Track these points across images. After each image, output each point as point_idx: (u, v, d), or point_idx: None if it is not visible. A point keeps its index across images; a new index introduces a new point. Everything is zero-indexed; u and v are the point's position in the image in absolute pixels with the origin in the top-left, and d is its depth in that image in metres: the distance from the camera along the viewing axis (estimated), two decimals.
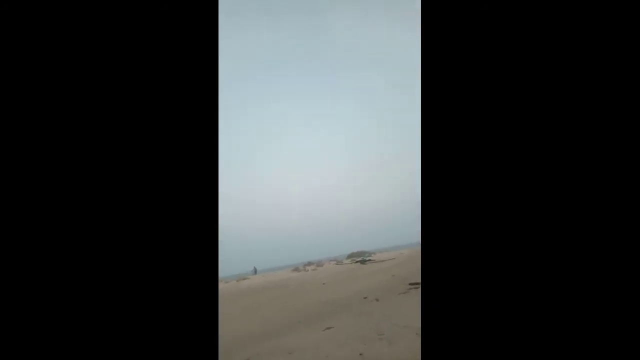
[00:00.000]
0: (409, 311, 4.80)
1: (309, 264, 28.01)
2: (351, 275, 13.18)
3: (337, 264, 24.05)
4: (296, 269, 24.48)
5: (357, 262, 21.28)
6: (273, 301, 9.13)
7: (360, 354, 3.41)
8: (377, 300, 6.57)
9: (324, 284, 11.63)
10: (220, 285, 21.95)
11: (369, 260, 20.50)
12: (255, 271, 29.55)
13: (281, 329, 5.50)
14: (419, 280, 6.24)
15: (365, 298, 7.07)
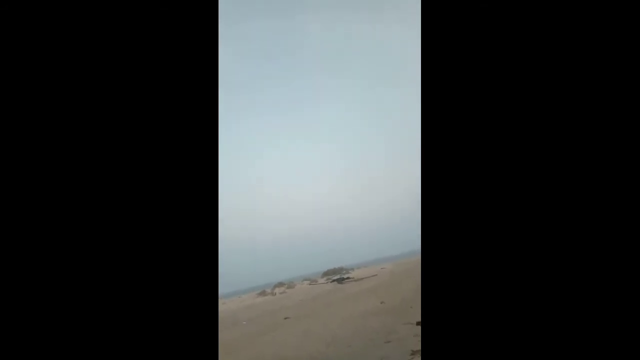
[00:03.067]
0: None
1: (280, 284, 24.77)
2: (325, 302, 10.15)
3: (310, 284, 21.00)
4: (262, 292, 21.10)
5: (333, 281, 18.40)
6: None
7: None
8: None
9: (285, 319, 8.51)
10: None
11: (347, 278, 17.64)
12: None
13: None
14: (417, 310, 3.47)
15: None
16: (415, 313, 5.02)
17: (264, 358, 5.02)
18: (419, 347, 3.61)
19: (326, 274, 25.76)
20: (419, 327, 4.22)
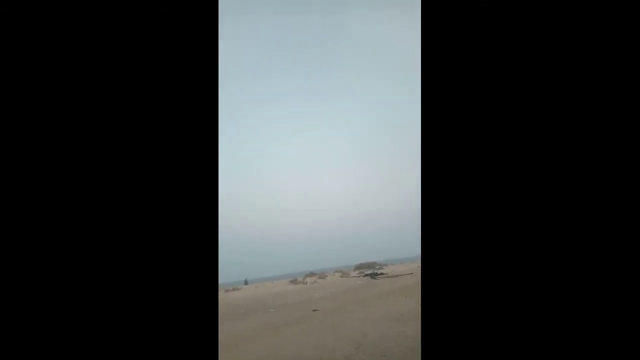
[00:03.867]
0: None
1: (311, 274, 24.56)
2: (357, 298, 9.54)
3: (342, 277, 20.47)
4: (294, 281, 20.98)
5: (366, 275, 17.72)
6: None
7: None
8: None
9: (314, 311, 8.02)
10: None
11: (381, 274, 16.85)
12: (245, 282, 26.25)
13: None
14: None
15: None
16: None
17: (282, 354, 4.55)
18: None
19: (358, 267, 25.12)
20: None
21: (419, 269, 16.83)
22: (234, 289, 21.81)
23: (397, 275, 15.04)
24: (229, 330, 6.70)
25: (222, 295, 18.96)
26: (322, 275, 23.33)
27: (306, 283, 19.16)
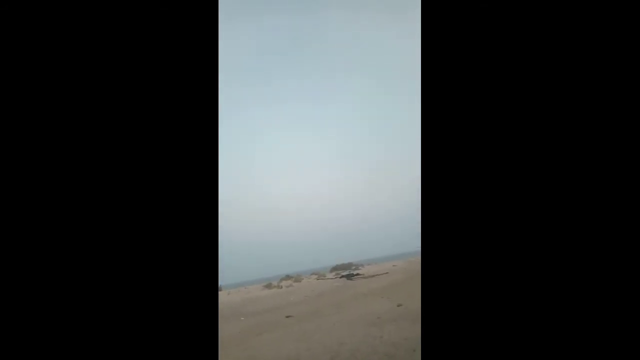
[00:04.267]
0: None
1: (287, 277, 23.98)
2: (333, 301, 9.19)
3: (318, 279, 20.09)
4: (268, 285, 20.32)
5: (342, 276, 17.46)
6: None
7: None
8: None
9: (287, 317, 7.57)
10: None
11: (357, 274, 16.66)
12: (219, 288, 25.36)
13: None
14: None
15: None
16: None
17: None
18: None
19: (335, 269, 24.85)
20: None
21: (394, 268, 16.84)
22: None
23: (373, 276, 14.88)
24: None
25: None
26: (297, 278, 22.80)
27: (281, 287, 18.59)
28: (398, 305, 6.37)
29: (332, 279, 18.20)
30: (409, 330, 4.39)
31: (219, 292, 22.16)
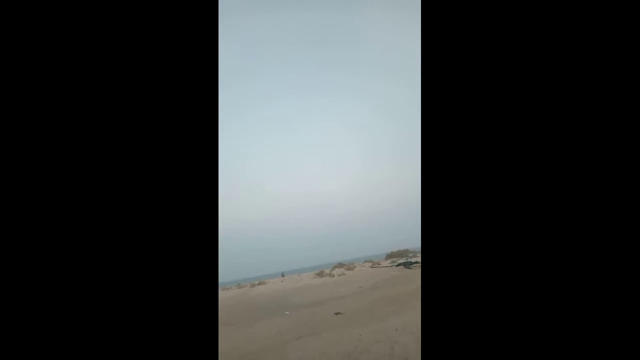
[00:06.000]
0: None
1: (339, 265, 23.07)
2: (390, 295, 7.80)
3: (373, 267, 18.78)
4: (320, 273, 19.55)
5: (399, 264, 15.92)
6: None
7: None
8: None
9: (336, 314, 6.40)
10: (228, 292, 17.95)
11: (416, 262, 14.95)
12: (282, 274, 26.39)
13: None
14: None
15: None
16: None
17: None
18: None
19: (390, 256, 23.24)
20: None
21: None
22: (260, 283, 21.19)
23: None
24: (223, 344, 5.25)
25: (245, 291, 18.01)
26: (350, 266, 21.75)
27: (333, 275, 17.67)
28: None
29: (387, 267, 16.74)
30: None
31: (281, 278, 22.53)
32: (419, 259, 17.18)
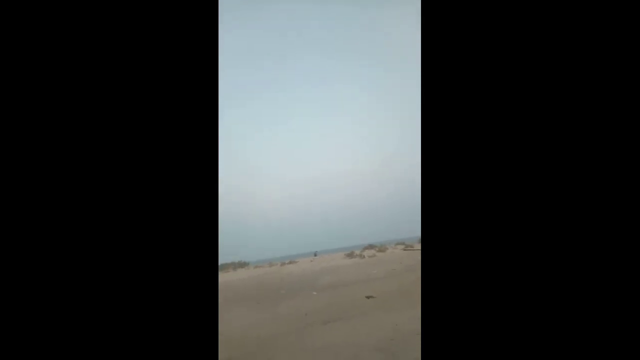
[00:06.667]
0: None
1: (370, 246, 22.50)
2: None
3: (405, 249, 17.98)
4: (350, 254, 19.11)
5: None
6: None
7: None
8: None
9: (368, 298, 5.81)
10: (261, 270, 18.16)
11: None
12: (315, 254, 27.09)
13: None
14: None
15: None
16: None
17: None
18: None
19: None
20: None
21: None
22: (290, 262, 21.37)
23: None
24: (245, 323, 4.87)
25: (275, 269, 18.11)
26: (381, 248, 21.07)
27: (363, 257, 17.14)
28: None
29: (420, 249, 15.91)
30: None
31: (311, 258, 22.69)
32: None
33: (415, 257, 12.31)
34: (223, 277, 14.35)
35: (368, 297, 5.86)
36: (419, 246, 18.39)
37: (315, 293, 7.29)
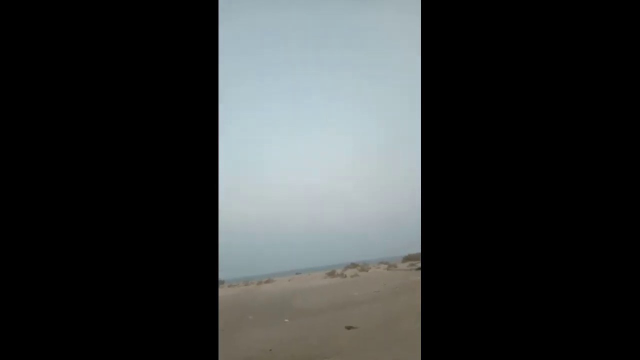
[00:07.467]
0: None
1: (352, 265, 21.52)
2: (415, 303, 6.18)
3: (389, 269, 17.11)
4: (331, 273, 18.07)
5: (418, 268, 14.18)
6: None
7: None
8: None
9: (348, 329, 4.86)
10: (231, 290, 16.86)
11: None
12: (296, 272, 26.31)
13: None
14: None
15: None
16: None
17: None
18: None
19: (407, 259, 21.42)
20: None
21: None
22: (267, 281, 20.16)
23: None
24: None
25: (250, 289, 16.80)
26: (364, 267, 20.14)
27: (345, 276, 16.14)
28: None
29: (405, 270, 15.05)
30: None
31: (289, 277, 21.52)
32: None
33: (399, 279, 11.43)
34: None
35: (348, 328, 4.91)
36: (402, 266, 17.56)
37: (287, 320, 6.26)
